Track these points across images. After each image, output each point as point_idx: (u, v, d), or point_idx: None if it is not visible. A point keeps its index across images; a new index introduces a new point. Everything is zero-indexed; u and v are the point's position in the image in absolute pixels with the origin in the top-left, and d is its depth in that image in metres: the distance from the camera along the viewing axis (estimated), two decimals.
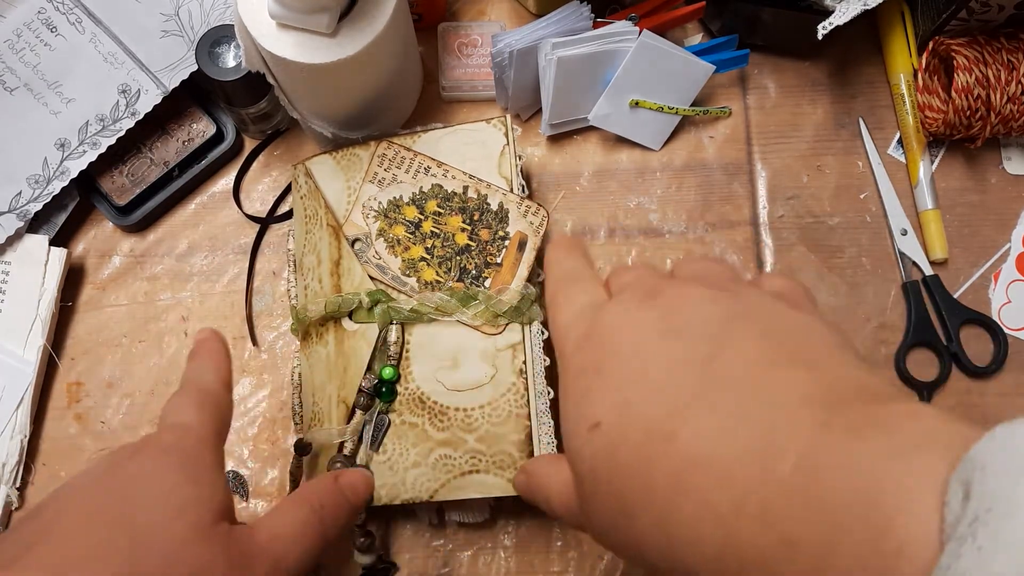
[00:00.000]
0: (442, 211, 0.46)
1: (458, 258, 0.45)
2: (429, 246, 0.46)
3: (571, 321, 0.31)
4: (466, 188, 0.46)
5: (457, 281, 0.45)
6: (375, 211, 0.47)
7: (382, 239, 0.46)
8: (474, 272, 0.45)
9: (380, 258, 0.46)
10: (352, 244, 0.47)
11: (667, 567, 0.26)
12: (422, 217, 0.46)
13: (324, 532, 0.36)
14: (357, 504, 0.40)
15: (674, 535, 0.25)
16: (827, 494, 0.22)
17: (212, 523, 0.31)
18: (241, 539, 0.32)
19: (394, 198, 0.47)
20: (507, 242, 0.45)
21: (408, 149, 0.48)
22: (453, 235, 0.46)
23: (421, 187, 0.47)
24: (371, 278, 0.45)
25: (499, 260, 0.45)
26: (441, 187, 0.46)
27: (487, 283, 0.44)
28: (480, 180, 0.46)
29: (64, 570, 0.28)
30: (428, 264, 0.45)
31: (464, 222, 0.46)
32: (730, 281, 0.30)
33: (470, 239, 0.45)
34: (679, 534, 0.25)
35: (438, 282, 0.45)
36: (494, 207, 0.46)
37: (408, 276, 0.45)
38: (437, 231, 0.46)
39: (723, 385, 0.25)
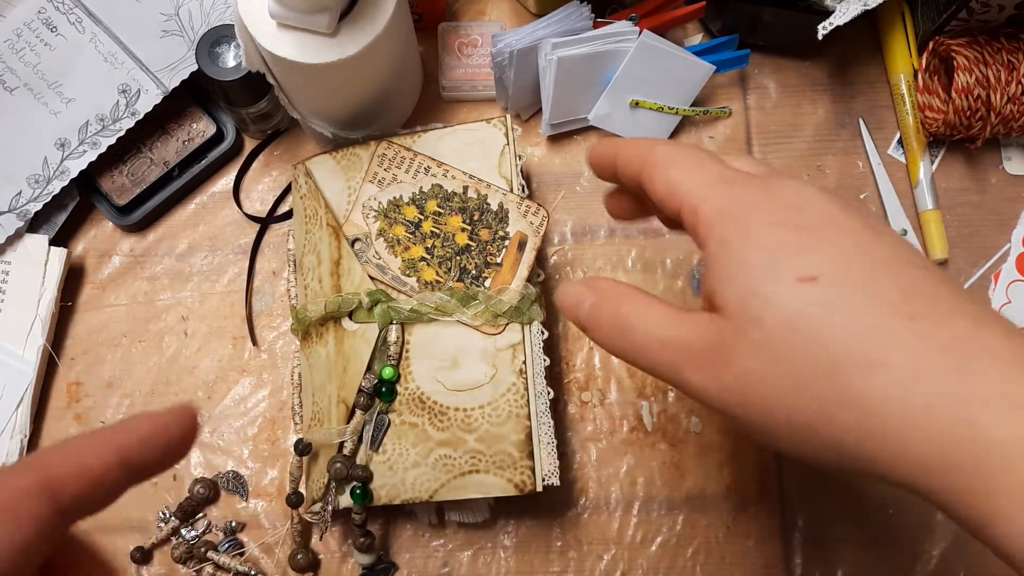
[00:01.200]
0: (442, 211, 0.46)
1: (458, 258, 0.45)
2: (429, 246, 0.46)
3: (721, 173, 0.29)
4: (466, 188, 0.46)
5: (457, 281, 0.45)
6: (375, 211, 0.47)
7: (382, 239, 0.46)
8: (474, 272, 0.45)
9: (380, 258, 0.46)
10: (352, 244, 0.47)
11: (817, 455, 0.26)
12: (422, 217, 0.46)
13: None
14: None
15: (846, 414, 0.24)
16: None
17: None
18: None
19: (394, 198, 0.47)
20: (507, 242, 0.45)
21: (408, 149, 0.48)
22: (453, 235, 0.46)
23: (421, 187, 0.47)
24: (371, 278, 0.45)
25: (499, 260, 0.45)
26: (441, 187, 0.46)
27: (487, 283, 0.44)
28: (480, 180, 0.46)
29: None
30: (428, 264, 0.45)
31: (464, 222, 0.46)
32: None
33: (470, 239, 0.45)
34: (852, 414, 0.24)
35: (438, 282, 0.45)
36: (494, 207, 0.46)
37: (408, 276, 0.45)
38: (437, 231, 0.46)
39: (920, 282, 0.26)
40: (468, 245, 0.45)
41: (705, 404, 0.28)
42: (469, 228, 0.46)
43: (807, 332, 0.25)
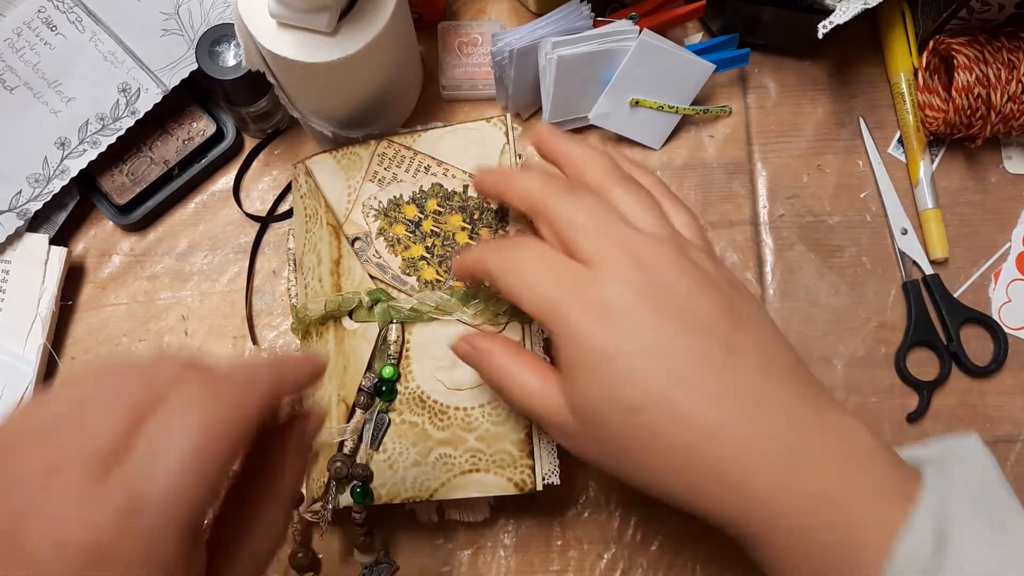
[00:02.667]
0: (442, 210, 0.46)
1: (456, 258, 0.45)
2: (429, 245, 0.46)
3: (555, 292, 0.34)
4: (466, 187, 0.46)
5: (457, 280, 0.45)
6: (375, 210, 0.47)
7: (382, 238, 0.46)
8: None
9: (380, 257, 0.46)
10: (352, 243, 0.47)
11: (649, 491, 0.34)
12: (422, 216, 0.46)
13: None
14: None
15: (679, 489, 0.33)
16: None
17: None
18: None
19: (394, 197, 0.47)
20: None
21: (408, 148, 0.48)
22: (453, 234, 0.46)
23: (421, 186, 0.47)
24: (371, 277, 0.45)
25: None
26: (441, 186, 0.46)
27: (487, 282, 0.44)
28: None
29: None
30: (428, 263, 0.45)
31: (464, 221, 0.46)
32: (661, 219, 0.36)
33: (470, 238, 0.45)
34: (686, 491, 0.33)
35: (438, 281, 0.45)
36: (494, 206, 0.45)
37: (408, 275, 0.45)
38: (437, 230, 0.46)
39: (739, 389, 0.32)
40: (468, 244, 0.45)
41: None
42: (469, 227, 0.46)
43: (638, 447, 0.33)
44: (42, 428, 0.26)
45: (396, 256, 0.46)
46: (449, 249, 0.45)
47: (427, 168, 0.47)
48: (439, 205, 0.46)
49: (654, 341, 0.33)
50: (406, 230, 0.46)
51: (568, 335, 0.34)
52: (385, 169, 0.47)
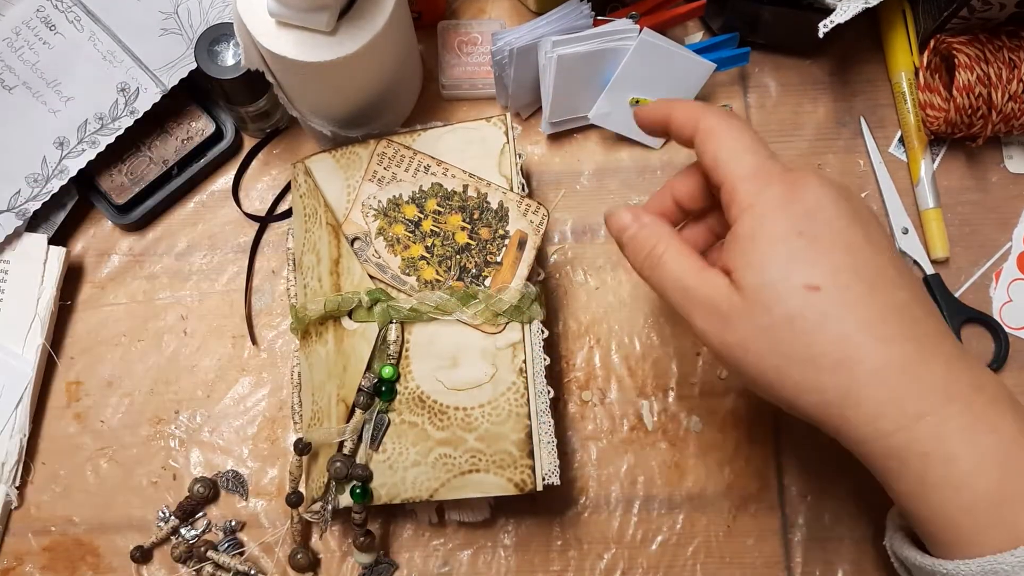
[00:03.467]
0: (442, 210, 0.46)
1: (458, 257, 0.45)
2: (429, 245, 0.46)
3: (758, 165, 0.35)
4: (466, 187, 0.46)
5: (457, 280, 0.45)
6: (374, 210, 0.47)
7: (381, 238, 0.46)
8: (474, 271, 0.45)
9: (379, 257, 0.46)
10: (352, 243, 0.47)
11: (778, 398, 0.34)
12: (422, 216, 0.46)
13: None
14: None
15: (813, 396, 0.33)
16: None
17: None
18: None
19: (393, 197, 0.47)
20: (507, 241, 0.45)
21: (408, 148, 0.47)
22: (453, 234, 0.45)
23: (421, 186, 0.47)
24: (371, 277, 0.45)
25: (499, 259, 0.45)
26: (441, 186, 0.46)
27: (487, 282, 0.44)
28: (480, 179, 0.46)
29: None
30: (428, 263, 0.45)
31: (464, 221, 0.46)
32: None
33: (470, 238, 0.45)
34: (818, 397, 0.33)
35: (438, 281, 0.45)
36: (494, 206, 0.45)
37: (408, 275, 0.45)
38: (437, 230, 0.46)
39: (897, 303, 0.33)
40: (468, 244, 0.45)
41: (700, 341, 0.36)
42: (469, 227, 0.45)
43: (802, 330, 0.32)
44: None
45: (396, 256, 0.46)
46: (449, 249, 0.45)
47: (427, 168, 0.47)
48: (439, 205, 0.46)
49: (845, 239, 0.33)
50: (405, 230, 0.46)
51: (761, 204, 0.34)
52: (384, 169, 0.47)
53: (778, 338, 0.33)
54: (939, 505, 0.32)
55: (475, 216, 0.45)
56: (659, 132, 0.40)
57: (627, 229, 0.38)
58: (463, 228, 0.45)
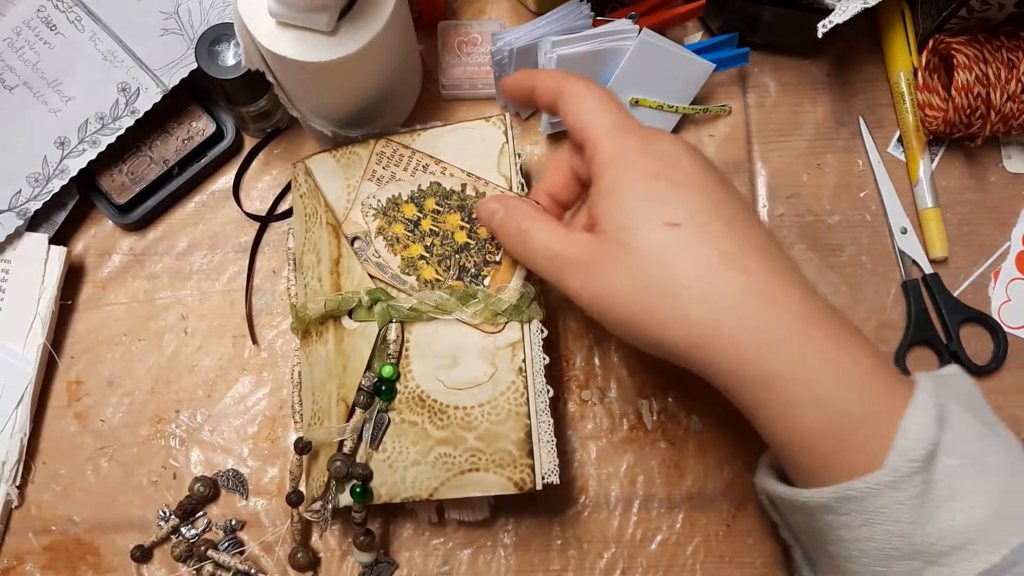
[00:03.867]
0: (440, 209, 0.46)
1: (457, 256, 0.45)
2: (428, 244, 0.46)
3: (618, 121, 0.37)
4: (464, 186, 0.46)
5: (456, 279, 0.45)
6: (374, 209, 0.47)
7: (381, 237, 0.46)
8: (473, 270, 0.45)
9: (379, 256, 0.46)
10: (352, 242, 0.47)
11: (646, 338, 0.35)
12: (421, 215, 0.46)
13: None
14: None
15: (678, 328, 0.34)
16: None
17: None
18: None
19: (392, 196, 0.47)
20: None
21: (407, 147, 0.48)
22: (452, 233, 0.46)
23: (419, 185, 0.47)
24: (371, 277, 0.45)
25: (498, 258, 0.45)
26: (440, 185, 0.46)
27: (486, 281, 0.44)
28: (479, 178, 0.46)
29: None
30: (427, 262, 0.45)
31: (463, 220, 0.46)
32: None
33: (469, 237, 0.45)
34: (683, 329, 0.34)
35: (437, 280, 0.45)
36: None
37: (407, 275, 0.45)
38: (436, 229, 0.46)
39: (753, 240, 0.35)
40: (467, 243, 0.45)
41: (575, 302, 0.37)
42: (468, 226, 0.45)
43: (663, 263, 0.34)
44: None
45: (395, 255, 0.46)
46: (448, 248, 0.45)
47: (425, 167, 0.47)
48: (438, 204, 0.46)
49: (700, 183, 0.35)
50: (405, 229, 0.46)
51: (620, 156, 0.36)
52: (383, 168, 0.47)
53: (642, 273, 0.34)
54: (801, 430, 0.33)
55: (474, 215, 0.46)
56: (524, 101, 0.43)
57: (496, 213, 0.40)
58: (462, 227, 0.46)
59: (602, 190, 0.36)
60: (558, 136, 0.54)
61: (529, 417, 0.43)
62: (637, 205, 0.35)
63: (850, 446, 0.33)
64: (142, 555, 0.48)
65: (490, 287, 0.44)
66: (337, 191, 0.48)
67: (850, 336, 0.34)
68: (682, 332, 0.34)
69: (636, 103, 0.52)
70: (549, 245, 0.37)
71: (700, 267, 0.33)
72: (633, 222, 0.35)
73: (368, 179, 0.47)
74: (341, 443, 0.44)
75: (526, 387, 0.43)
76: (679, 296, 0.33)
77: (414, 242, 0.46)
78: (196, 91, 0.53)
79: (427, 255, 0.45)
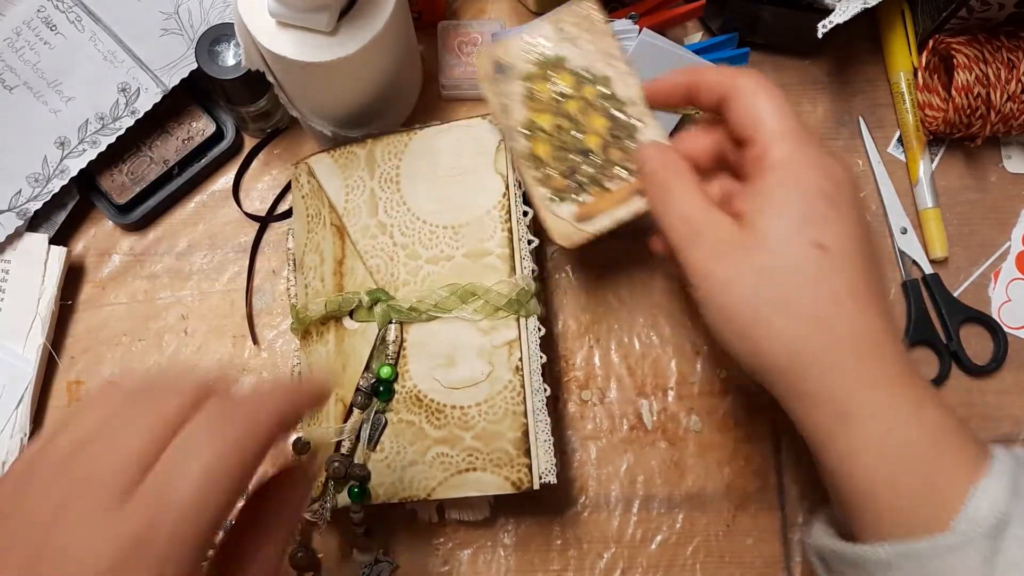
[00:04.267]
0: (594, 104, 0.43)
1: (575, 157, 0.43)
2: (559, 125, 0.43)
3: (795, 128, 0.36)
4: (629, 102, 0.43)
5: (562, 176, 0.43)
6: (538, 54, 0.44)
7: (528, 84, 0.44)
8: (583, 180, 0.43)
9: (507, 97, 0.43)
10: (497, 68, 0.43)
11: (740, 346, 0.35)
12: (574, 94, 0.43)
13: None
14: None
15: (782, 346, 0.34)
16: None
17: None
18: None
19: (562, 56, 0.44)
20: (630, 178, 0.43)
21: (608, 23, 0.44)
22: (587, 133, 0.43)
23: (593, 67, 0.44)
24: (491, 106, 0.43)
25: (612, 187, 0.43)
26: (610, 81, 0.43)
27: (584, 197, 0.42)
28: (649, 114, 0.43)
29: None
30: (548, 140, 0.43)
31: (606, 130, 0.43)
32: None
33: (601, 149, 0.43)
34: (788, 347, 0.34)
35: (541, 162, 0.43)
36: (640, 141, 0.43)
37: (523, 133, 0.43)
38: (577, 117, 0.43)
39: (875, 281, 0.35)
40: (593, 152, 0.43)
41: (686, 275, 0.36)
42: (606, 139, 0.43)
43: (796, 281, 0.34)
44: (58, 461, 0.26)
45: (524, 108, 0.43)
46: (575, 142, 0.43)
47: (611, 57, 0.44)
48: (597, 98, 0.43)
49: (858, 213, 0.35)
50: (551, 94, 0.43)
51: (796, 161, 0.35)
52: (574, 25, 0.44)
53: (769, 281, 0.34)
54: (871, 473, 0.33)
55: (617, 135, 0.43)
56: (679, 101, 0.42)
57: (648, 161, 0.40)
58: (599, 136, 0.43)
59: (762, 189, 0.36)
60: None
61: (526, 416, 0.42)
62: (794, 217, 0.35)
63: (916, 502, 0.32)
64: None
65: (581, 208, 0.42)
66: (337, 191, 0.48)
67: (933, 393, 0.35)
68: (785, 349, 0.34)
69: None
70: (689, 210, 0.37)
71: (828, 296, 0.34)
72: (784, 232, 0.34)
73: (552, 24, 0.44)
74: (339, 444, 0.44)
75: (523, 386, 0.43)
76: (798, 316, 0.34)
77: (549, 112, 0.43)
78: (196, 91, 0.53)
79: (548, 133, 0.43)
